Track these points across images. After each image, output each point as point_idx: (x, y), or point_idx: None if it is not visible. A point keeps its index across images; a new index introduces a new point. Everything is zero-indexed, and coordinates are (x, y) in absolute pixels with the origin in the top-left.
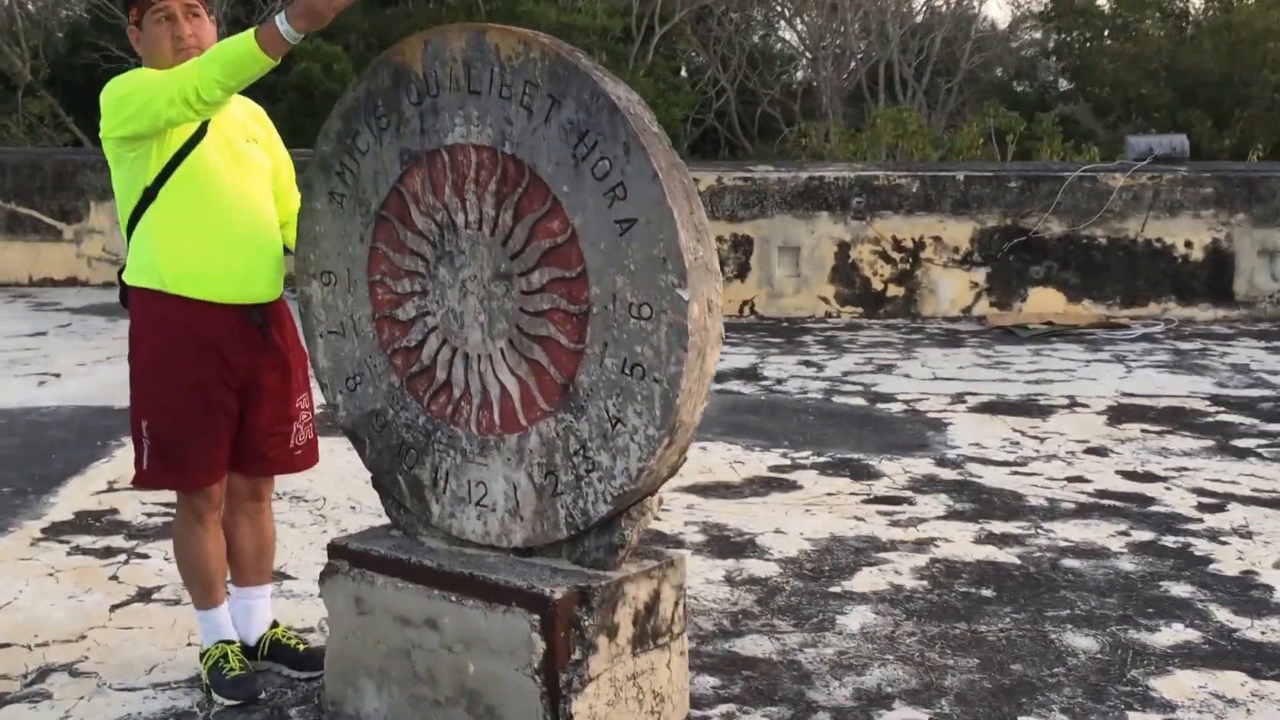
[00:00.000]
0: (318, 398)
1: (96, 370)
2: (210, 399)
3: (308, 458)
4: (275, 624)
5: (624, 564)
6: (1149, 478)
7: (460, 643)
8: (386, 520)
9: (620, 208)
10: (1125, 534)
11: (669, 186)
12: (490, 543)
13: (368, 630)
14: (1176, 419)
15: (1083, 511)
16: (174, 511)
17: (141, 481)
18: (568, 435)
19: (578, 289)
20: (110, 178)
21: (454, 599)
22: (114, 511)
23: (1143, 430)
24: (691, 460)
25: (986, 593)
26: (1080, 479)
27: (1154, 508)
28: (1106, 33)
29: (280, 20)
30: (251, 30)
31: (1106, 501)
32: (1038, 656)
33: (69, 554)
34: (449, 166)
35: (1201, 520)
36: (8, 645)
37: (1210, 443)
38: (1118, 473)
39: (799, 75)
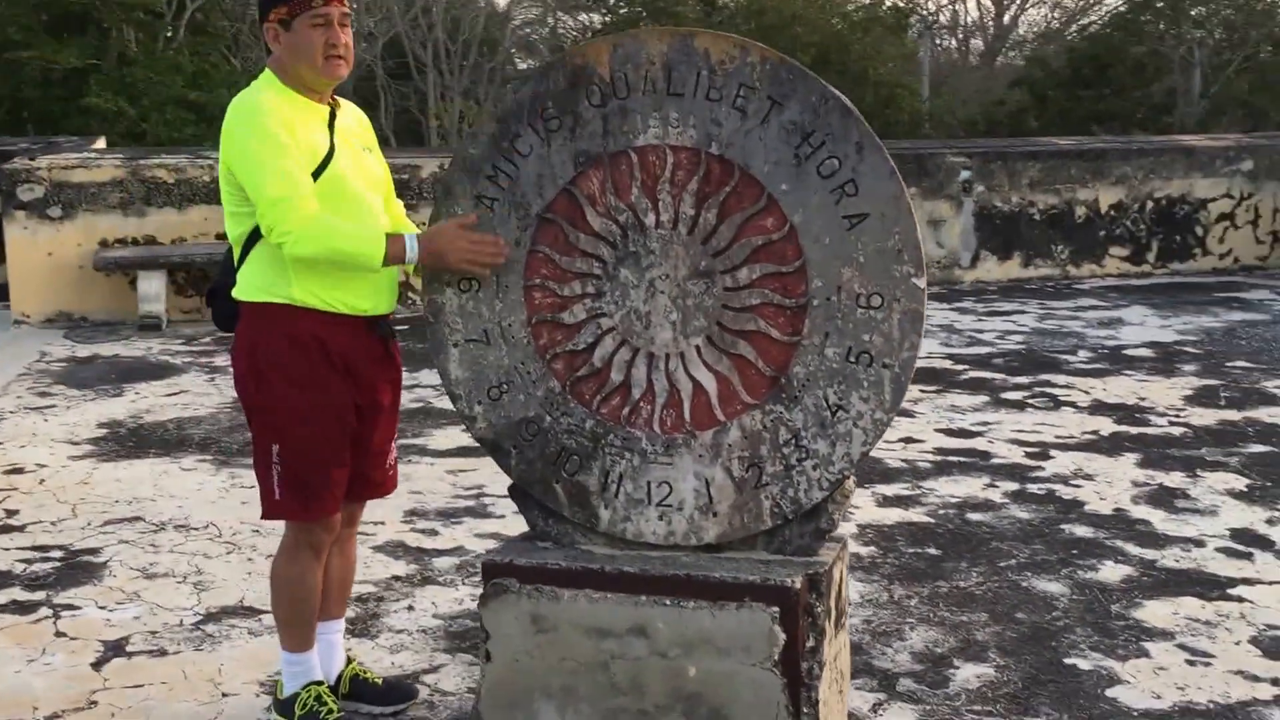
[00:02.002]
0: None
1: None
2: (343, 419)
3: (395, 479)
4: (349, 659)
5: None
6: (966, 433)
7: (677, 646)
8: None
9: (850, 204)
10: (994, 485)
11: (903, 183)
12: (675, 543)
13: (549, 648)
14: (940, 378)
15: (943, 469)
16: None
17: (274, 512)
18: (776, 426)
19: (794, 283)
20: (220, 187)
21: (669, 603)
22: None
23: (921, 390)
24: None
25: (933, 551)
26: (911, 439)
27: (995, 460)
28: (644, 14)
29: (411, 246)
30: (381, 239)
31: (954, 458)
32: (1029, 604)
33: None
34: (637, 167)
35: (1042, 468)
36: None
37: (985, 398)
38: (937, 430)
39: None
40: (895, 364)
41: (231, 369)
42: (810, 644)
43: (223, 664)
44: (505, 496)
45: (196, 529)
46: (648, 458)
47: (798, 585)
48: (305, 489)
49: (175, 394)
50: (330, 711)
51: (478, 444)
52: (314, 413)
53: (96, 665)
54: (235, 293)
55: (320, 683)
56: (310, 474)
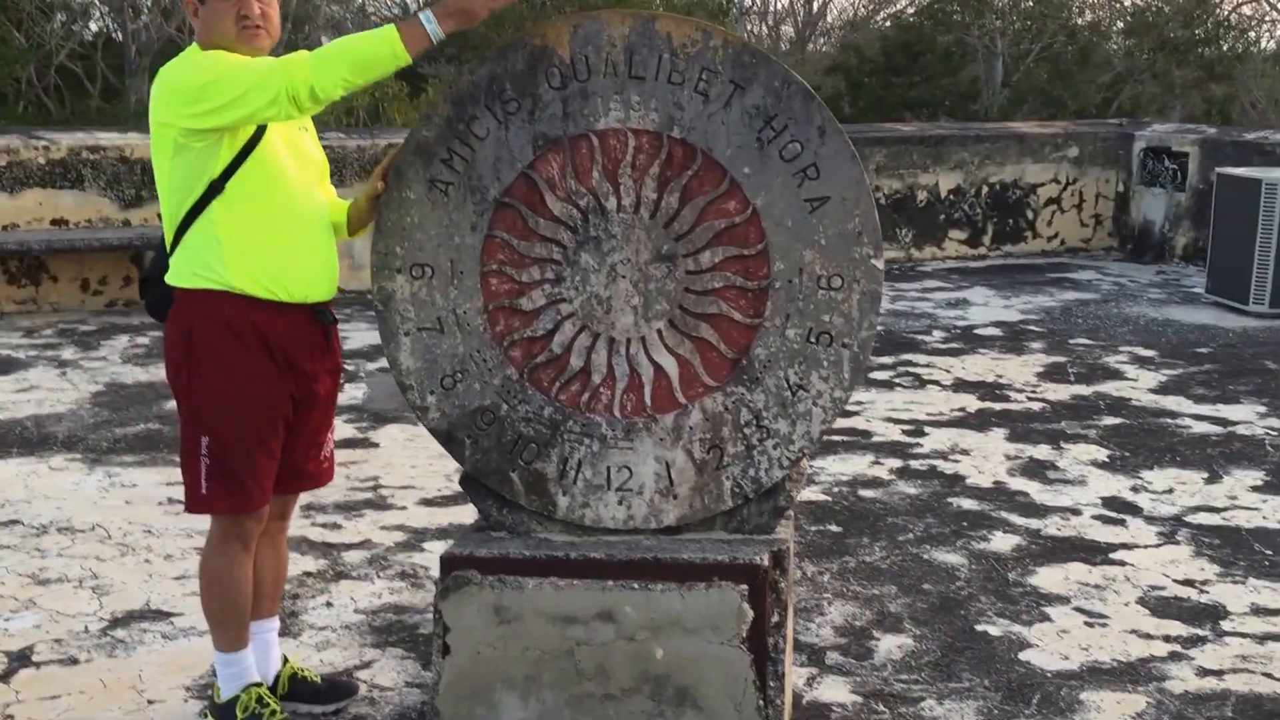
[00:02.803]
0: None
1: None
2: (276, 410)
3: (331, 470)
4: (285, 658)
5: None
6: (844, 413)
7: (645, 629)
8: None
9: (811, 187)
10: (879, 463)
11: (863, 167)
12: (634, 526)
13: (511, 639)
14: None
15: (830, 448)
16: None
17: (199, 506)
18: (738, 408)
19: (756, 265)
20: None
21: (637, 586)
22: None
23: None
24: None
25: (835, 529)
26: None
27: (876, 439)
28: None
29: (427, 19)
30: (388, 27)
31: (838, 437)
32: (934, 576)
33: None
34: (598, 151)
35: (920, 445)
36: None
37: None
38: None
39: (93, 28)
40: (854, 343)
41: (164, 357)
42: (775, 619)
43: (141, 670)
44: (402, 487)
45: (82, 531)
46: (607, 443)
47: (765, 563)
48: (232, 480)
49: (26, 390)
50: (274, 713)
51: (431, 434)
52: (247, 404)
53: (4, 677)
54: (168, 278)
55: (259, 684)
56: (238, 465)
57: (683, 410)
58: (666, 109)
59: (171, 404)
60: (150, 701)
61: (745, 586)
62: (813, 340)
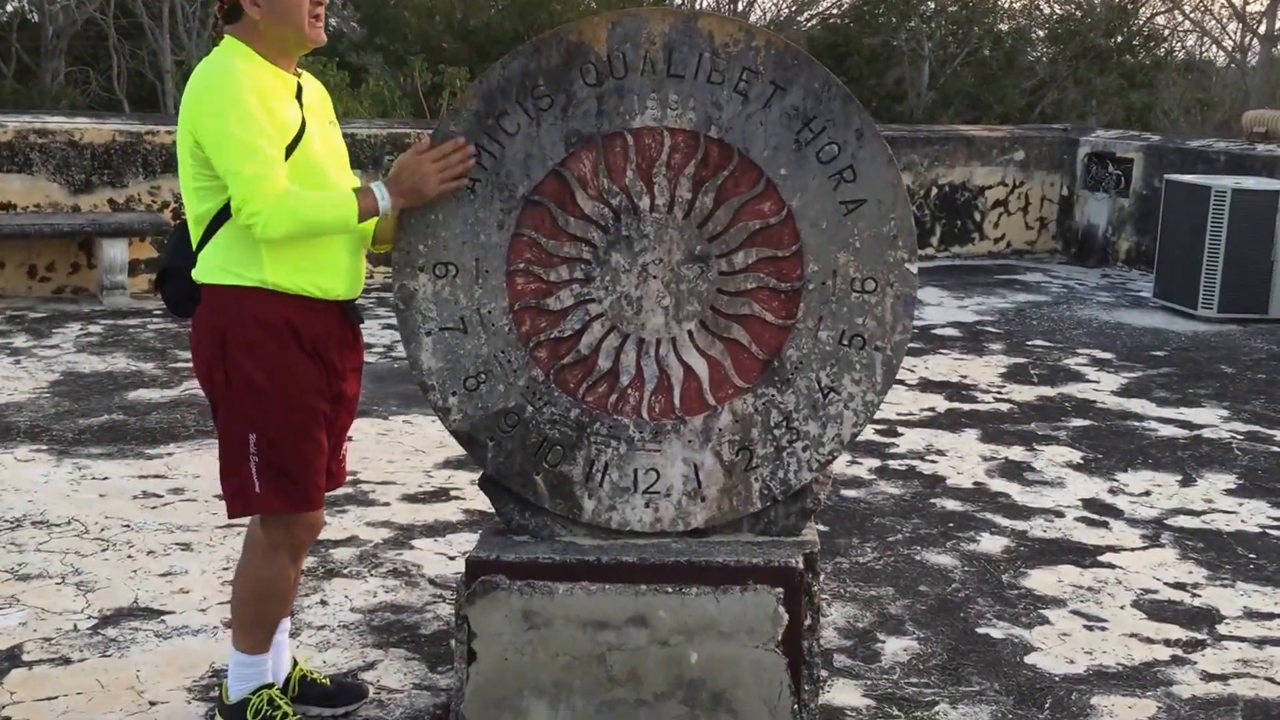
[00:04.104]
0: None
1: None
2: (319, 405)
3: (345, 471)
4: (294, 660)
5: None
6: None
7: (679, 634)
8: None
9: (847, 189)
10: (857, 463)
11: (899, 171)
12: (661, 529)
13: (541, 645)
14: None
15: None
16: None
17: (255, 506)
18: (768, 409)
19: (789, 267)
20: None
21: (671, 590)
22: None
23: None
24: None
25: (823, 528)
26: None
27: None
28: None
29: (381, 195)
30: (351, 198)
31: None
32: (928, 577)
33: None
34: (632, 149)
35: (896, 445)
36: None
37: None
38: None
39: (9, 9)
40: (887, 347)
41: (193, 357)
42: (808, 622)
43: (139, 670)
44: (382, 483)
45: (58, 525)
46: (635, 445)
47: (800, 565)
48: (285, 478)
49: None
50: (285, 715)
51: (452, 437)
52: (291, 398)
53: None
54: (197, 275)
55: (271, 685)
56: (292, 463)
57: (712, 412)
58: (704, 108)
59: (134, 394)
60: (152, 703)
61: (780, 589)
62: (845, 343)
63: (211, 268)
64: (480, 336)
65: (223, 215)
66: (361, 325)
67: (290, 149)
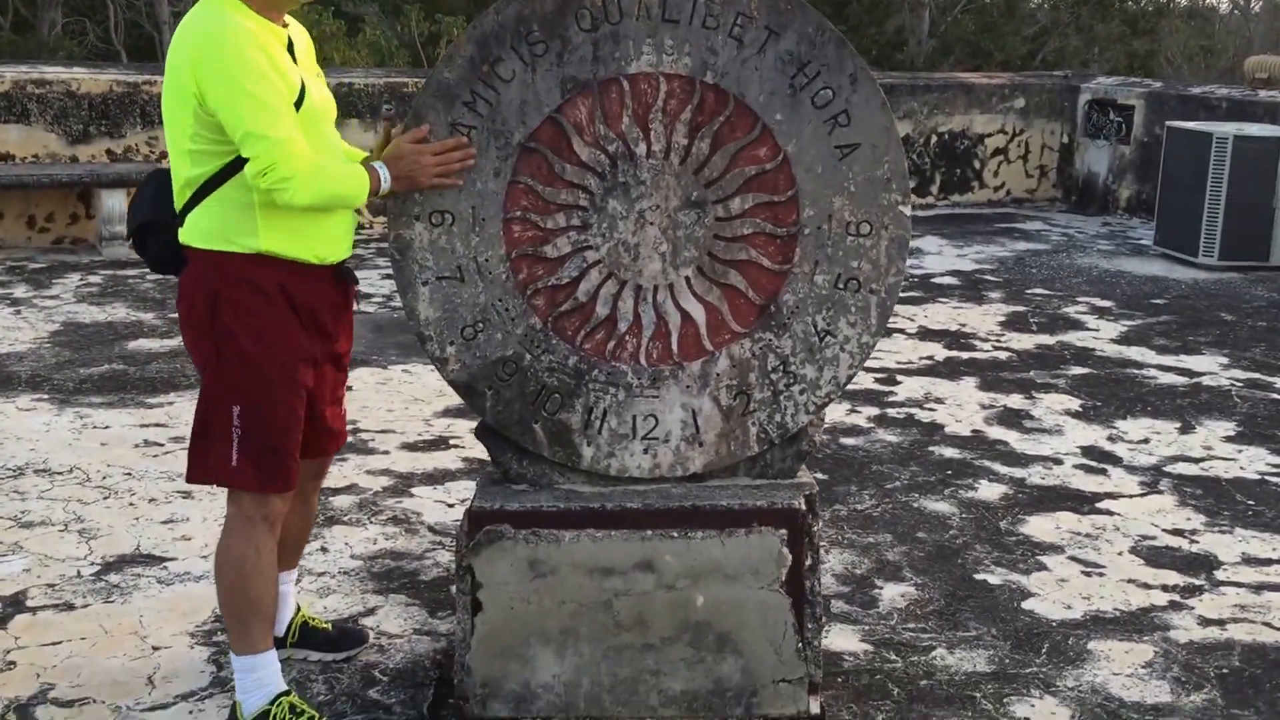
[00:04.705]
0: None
1: None
2: (303, 377)
3: (346, 430)
4: (297, 606)
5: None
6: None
7: (685, 577)
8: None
9: (842, 134)
10: (856, 411)
11: (892, 114)
12: (660, 475)
13: (547, 592)
14: None
15: None
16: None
17: (228, 479)
18: (765, 354)
19: (785, 212)
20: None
21: (677, 535)
22: None
23: None
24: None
25: (821, 476)
26: None
27: (850, 386)
28: None
29: (384, 177)
30: (366, 176)
31: None
32: (925, 524)
33: None
34: (629, 95)
35: (895, 393)
36: None
37: None
38: None
39: None
40: (882, 289)
41: (182, 325)
42: (809, 563)
43: (142, 615)
44: (381, 431)
45: (60, 473)
46: (633, 391)
47: (802, 507)
48: (268, 457)
49: None
50: (312, 719)
51: (450, 386)
52: (280, 371)
53: (0, 623)
54: (187, 238)
55: (287, 692)
56: (274, 439)
57: (710, 357)
58: (700, 54)
59: (134, 344)
60: (155, 648)
61: (784, 531)
62: (841, 286)
63: (203, 232)
64: (477, 285)
65: (218, 180)
66: (356, 286)
67: (295, 105)
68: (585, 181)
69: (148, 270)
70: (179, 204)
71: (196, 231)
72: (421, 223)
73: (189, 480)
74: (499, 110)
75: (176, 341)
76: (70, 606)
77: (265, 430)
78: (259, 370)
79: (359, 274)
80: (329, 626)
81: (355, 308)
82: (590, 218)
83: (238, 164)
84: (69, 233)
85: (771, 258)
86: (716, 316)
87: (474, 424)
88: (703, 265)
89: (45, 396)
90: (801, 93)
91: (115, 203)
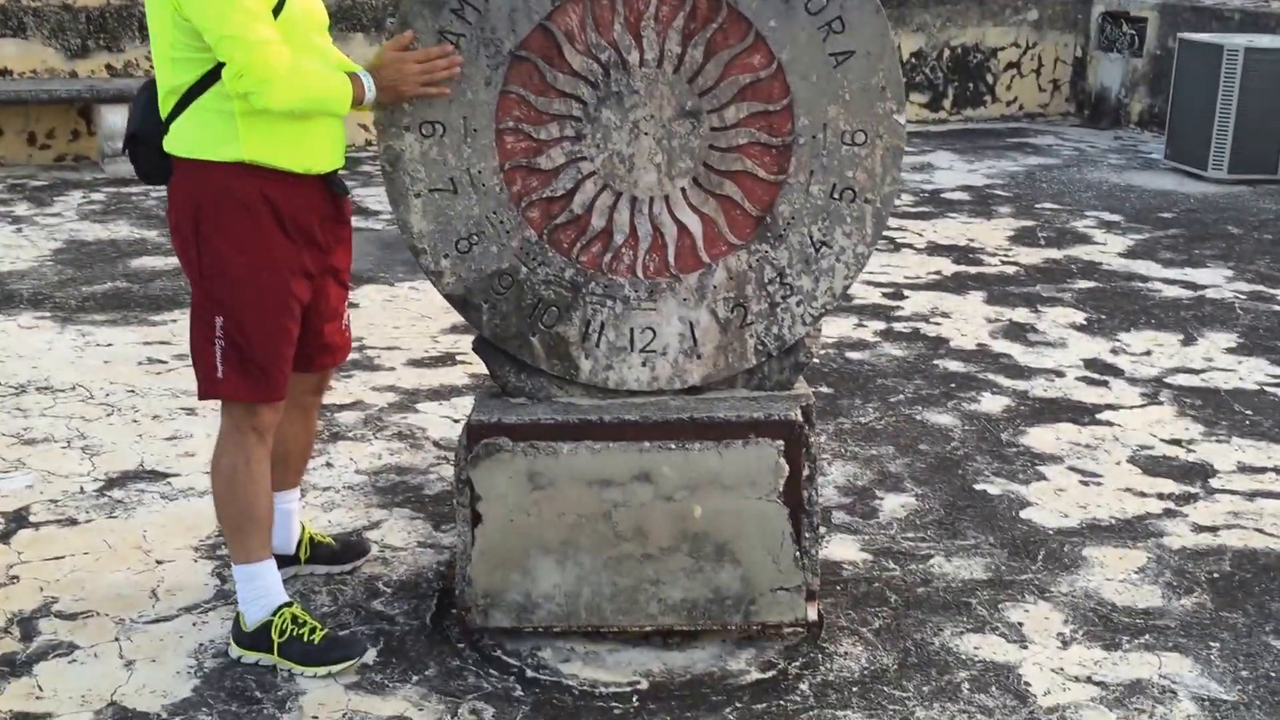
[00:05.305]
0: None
1: None
2: (294, 290)
3: (350, 341)
4: (302, 525)
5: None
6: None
7: (683, 488)
8: None
9: (836, 41)
10: (863, 325)
11: (887, 20)
12: (659, 388)
13: (546, 504)
14: None
15: None
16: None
17: (214, 391)
18: (762, 265)
19: (780, 121)
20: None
21: (674, 446)
22: None
23: None
24: None
25: (827, 390)
26: None
27: (858, 301)
28: None
29: (369, 86)
30: (349, 84)
31: None
32: (928, 437)
33: None
34: (619, 2)
35: (901, 307)
36: None
37: None
38: None
39: None
40: (877, 199)
41: (171, 232)
42: (806, 473)
43: (145, 530)
44: (387, 348)
45: (63, 391)
46: (630, 304)
47: (799, 418)
48: (252, 366)
49: None
50: (314, 629)
51: (445, 299)
52: (264, 282)
53: (3, 538)
54: (170, 147)
55: (290, 603)
56: (258, 350)
57: (706, 269)
58: None
59: (137, 262)
60: (159, 562)
61: (781, 442)
62: (836, 196)
63: (185, 141)
64: (471, 197)
65: (200, 88)
66: (347, 196)
67: (275, 11)
68: (578, 91)
69: (151, 188)
70: (164, 112)
71: (180, 140)
72: (412, 133)
73: (200, 399)
74: (488, 17)
75: None
76: (74, 522)
77: (249, 340)
78: (240, 281)
79: (366, 190)
80: (332, 541)
81: (348, 219)
82: (584, 128)
83: (219, 71)
84: (71, 150)
85: (767, 168)
86: (713, 228)
87: None
88: (698, 176)
89: (47, 314)
90: None
91: (116, 119)
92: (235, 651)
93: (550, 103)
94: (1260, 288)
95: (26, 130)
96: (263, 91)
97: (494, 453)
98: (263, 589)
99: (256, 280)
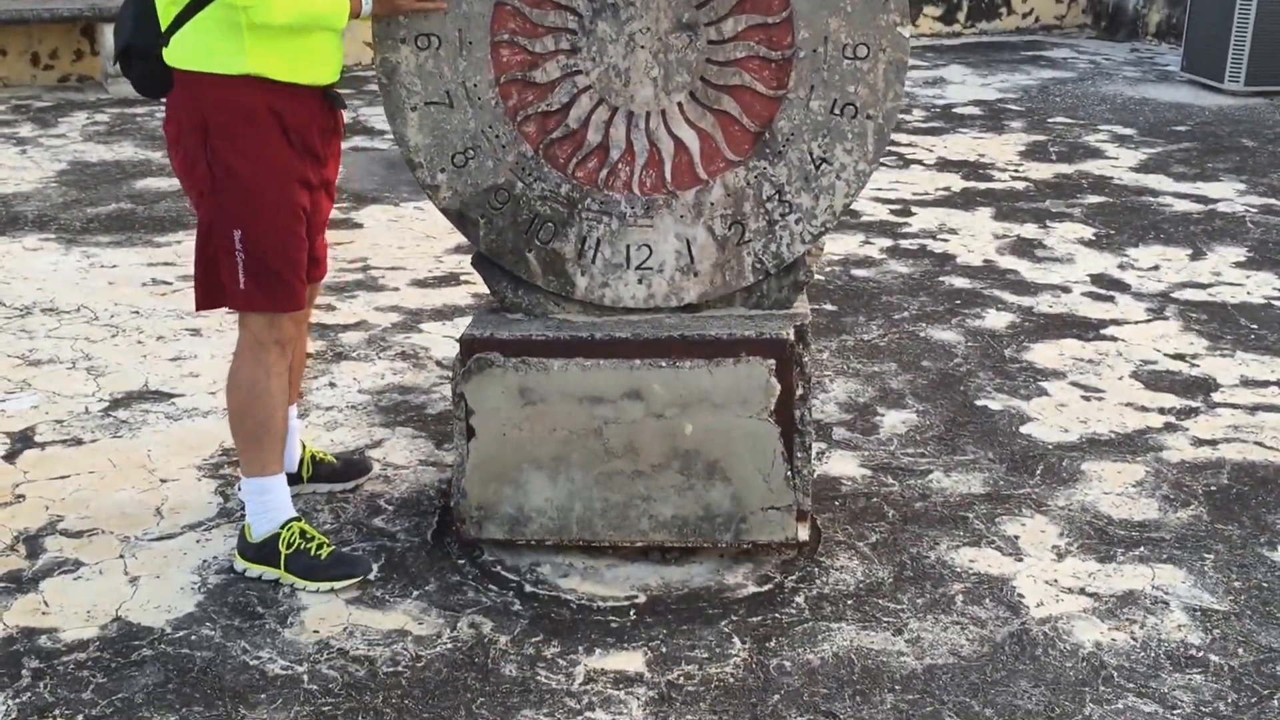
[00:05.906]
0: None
1: None
2: (300, 197)
3: (327, 260)
4: (302, 443)
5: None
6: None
7: (674, 406)
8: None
9: None
10: (869, 243)
11: None
12: (655, 305)
13: (538, 420)
14: None
15: None
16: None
17: (239, 303)
18: (760, 182)
19: (780, 34)
20: None
21: (665, 364)
22: None
23: None
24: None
25: (830, 307)
26: None
27: (865, 218)
28: None
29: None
30: None
31: None
32: (932, 353)
33: None
34: None
35: (909, 224)
36: None
37: None
38: None
39: None
40: (879, 115)
41: (170, 148)
42: (800, 392)
43: (149, 449)
44: (391, 268)
45: (68, 312)
46: (626, 221)
47: (791, 337)
48: (273, 277)
49: None
50: (321, 545)
51: (442, 214)
52: (276, 192)
53: (8, 457)
54: (173, 60)
55: (297, 518)
56: (278, 260)
57: (704, 186)
58: None
59: (142, 183)
60: (163, 480)
61: (772, 361)
62: (837, 112)
63: (189, 53)
64: (467, 111)
65: (203, 1)
66: (343, 109)
67: None
68: (573, 3)
69: (156, 109)
70: (164, 23)
71: (182, 53)
72: (407, 46)
73: (198, 310)
74: None
75: None
76: (79, 441)
77: (267, 251)
78: (255, 193)
79: (371, 109)
80: (334, 459)
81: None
82: (579, 41)
83: None
84: (74, 70)
85: (766, 83)
86: (710, 144)
87: None
88: (696, 91)
89: (52, 236)
90: None
91: None
92: (240, 564)
93: (545, 15)
94: (1272, 201)
95: (30, 51)
96: (261, 4)
97: (486, 368)
98: (273, 503)
99: (269, 191)
